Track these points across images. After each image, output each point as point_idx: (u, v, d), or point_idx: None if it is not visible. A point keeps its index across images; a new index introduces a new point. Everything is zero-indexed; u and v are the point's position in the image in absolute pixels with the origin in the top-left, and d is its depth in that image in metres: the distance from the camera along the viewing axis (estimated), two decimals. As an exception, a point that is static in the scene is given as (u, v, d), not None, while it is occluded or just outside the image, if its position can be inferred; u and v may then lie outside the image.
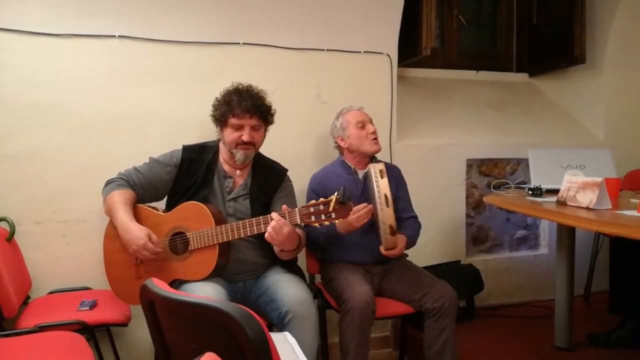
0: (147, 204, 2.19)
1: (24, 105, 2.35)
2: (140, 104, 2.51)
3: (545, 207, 2.21)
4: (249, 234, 1.97)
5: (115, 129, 2.48)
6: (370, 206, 2.12)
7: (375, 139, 2.40)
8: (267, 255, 2.16)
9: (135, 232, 1.97)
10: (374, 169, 2.12)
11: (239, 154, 2.12)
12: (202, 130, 2.44)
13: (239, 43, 2.66)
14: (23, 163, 2.35)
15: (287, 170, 2.33)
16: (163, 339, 1.31)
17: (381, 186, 2.09)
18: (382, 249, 2.21)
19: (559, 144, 3.33)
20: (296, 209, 1.91)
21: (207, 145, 2.25)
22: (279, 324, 1.98)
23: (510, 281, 3.37)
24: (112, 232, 2.12)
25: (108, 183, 2.14)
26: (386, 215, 2.08)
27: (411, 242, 2.38)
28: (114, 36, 2.45)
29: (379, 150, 2.42)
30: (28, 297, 2.27)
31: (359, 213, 2.09)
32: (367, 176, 2.32)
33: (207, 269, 2.00)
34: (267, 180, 2.23)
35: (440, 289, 2.20)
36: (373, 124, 2.44)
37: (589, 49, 3.43)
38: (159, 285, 1.23)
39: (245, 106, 2.09)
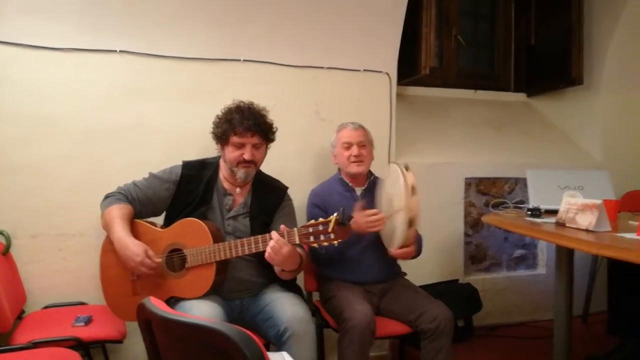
0: (145, 219, 2.17)
1: (23, 118, 2.34)
2: (140, 119, 2.51)
3: (545, 228, 2.20)
4: (247, 253, 1.95)
5: (114, 144, 2.47)
6: (384, 215, 2.12)
7: (357, 161, 2.38)
8: (265, 274, 2.14)
9: (133, 248, 1.95)
10: (398, 165, 2.13)
11: (240, 172, 2.12)
12: (202, 146, 2.44)
13: (239, 60, 2.67)
14: (20, 176, 2.34)
15: (287, 188, 2.31)
16: (160, 359, 1.29)
17: (409, 177, 2.07)
18: (392, 250, 2.17)
19: (556, 164, 3.34)
20: (295, 228, 1.89)
21: (207, 161, 2.24)
22: (277, 342, 1.95)
23: (509, 301, 3.36)
24: (109, 247, 2.09)
25: (106, 197, 2.13)
26: (411, 205, 2.04)
27: (418, 250, 2.31)
28: (115, 51, 2.46)
29: (362, 171, 2.39)
30: (23, 312, 2.24)
31: (371, 218, 2.10)
32: (373, 189, 2.37)
33: (204, 287, 1.98)
34: (267, 199, 2.22)
35: (435, 309, 2.17)
36: (365, 145, 2.40)
37: (586, 70, 3.47)
38: (157, 305, 1.21)
39: (247, 125, 2.08)
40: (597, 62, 3.53)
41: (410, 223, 2.07)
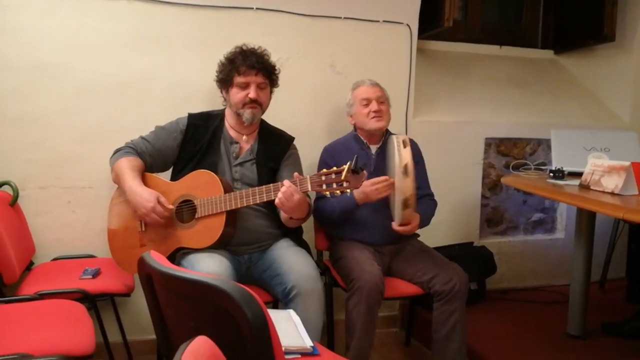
0: (155, 174, 2.14)
1: (28, 67, 2.28)
2: (147, 70, 2.43)
3: (567, 190, 2.11)
4: (258, 202, 1.92)
5: (121, 95, 2.41)
6: (391, 180, 2.05)
7: (377, 116, 2.30)
8: (275, 225, 2.13)
9: (144, 195, 1.94)
10: (397, 138, 2.03)
11: (247, 114, 2.09)
12: (210, 99, 2.38)
13: (252, 8, 2.55)
14: (27, 126, 2.30)
15: (293, 138, 2.29)
16: (161, 315, 1.26)
17: (403, 155, 1.99)
18: (394, 225, 2.14)
19: (582, 125, 3.19)
20: (307, 176, 1.85)
21: (212, 113, 2.22)
22: (284, 299, 1.94)
23: (524, 265, 3.28)
24: (118, 199, 2.09)
25: (115, 152, 2.12)
26: (404, 186, 1.99)
27: (424, 221, 2.29)
28: (123, -3, 2.37)
29: (382, 127, 2.32)
30: (32, 263, 2.24)
31: (377, 185, 2.04)
32: (385, 148, 2.25)
33: (213, 236, 1.93)
34: (274, 146, 2.20)
35: (450, 271, 2.14)
36: (383, 101, 2.34)
37: (619, 26, 3.27)
38: (157, 259, 1.17)
39: (250, 63, 2.07)
40: (631, 18, 3.33)
41: (405, 205, 2.02)
